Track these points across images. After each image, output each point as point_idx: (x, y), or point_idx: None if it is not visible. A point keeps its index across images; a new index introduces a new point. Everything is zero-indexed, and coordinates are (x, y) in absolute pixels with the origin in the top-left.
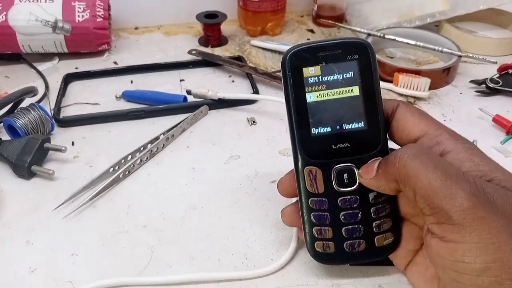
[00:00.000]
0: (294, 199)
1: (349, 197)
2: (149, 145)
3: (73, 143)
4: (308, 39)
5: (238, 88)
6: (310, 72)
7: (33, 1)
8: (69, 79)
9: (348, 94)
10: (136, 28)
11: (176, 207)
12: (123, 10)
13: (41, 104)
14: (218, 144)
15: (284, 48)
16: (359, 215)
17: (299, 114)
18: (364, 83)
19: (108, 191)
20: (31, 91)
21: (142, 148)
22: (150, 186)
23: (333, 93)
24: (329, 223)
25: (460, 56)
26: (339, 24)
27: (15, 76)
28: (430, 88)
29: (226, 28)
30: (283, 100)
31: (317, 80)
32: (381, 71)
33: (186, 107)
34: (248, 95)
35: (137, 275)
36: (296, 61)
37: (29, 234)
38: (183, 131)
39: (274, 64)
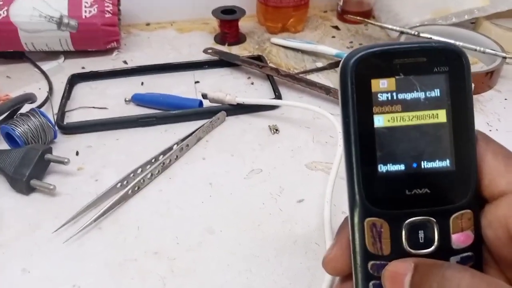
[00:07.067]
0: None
1: None
2: (161, 156)
3: (77, 153)
4: (333, 37)
5: (258, 92)
6: (381, 86)
7: None
8: (74, 80)
9: (431, 120)
10: (148, 24)
11: (191, 230)
12: (133, 5)
13: (43, 108)
14: (237, 156)
15: (308, 46)
16: None
17: (363, 144)
18: (455, 106)
19: (115, 210)
20: (29, 99)
21: (153, 160)
22: (162, 204)
23: (411, 118)
24: None
25: (504, 58)
26: (368, 21)
27: (17, 76)
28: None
29: (244, 24)
30: (308, 106)
31: (390, 98)
32: None
33: (202, 112)
34: (270, 100)
35: None
36: (363, 69)
37: (26, 260)
38: (199, 140)
39: (296, 65)
